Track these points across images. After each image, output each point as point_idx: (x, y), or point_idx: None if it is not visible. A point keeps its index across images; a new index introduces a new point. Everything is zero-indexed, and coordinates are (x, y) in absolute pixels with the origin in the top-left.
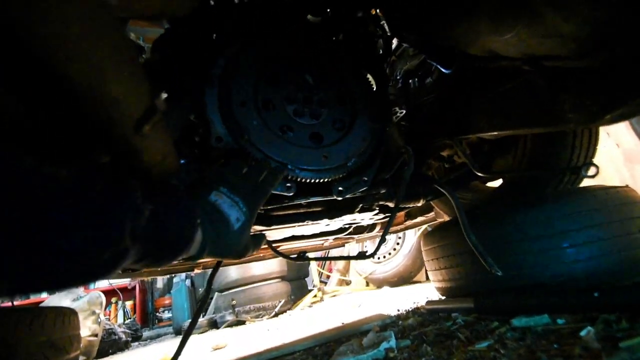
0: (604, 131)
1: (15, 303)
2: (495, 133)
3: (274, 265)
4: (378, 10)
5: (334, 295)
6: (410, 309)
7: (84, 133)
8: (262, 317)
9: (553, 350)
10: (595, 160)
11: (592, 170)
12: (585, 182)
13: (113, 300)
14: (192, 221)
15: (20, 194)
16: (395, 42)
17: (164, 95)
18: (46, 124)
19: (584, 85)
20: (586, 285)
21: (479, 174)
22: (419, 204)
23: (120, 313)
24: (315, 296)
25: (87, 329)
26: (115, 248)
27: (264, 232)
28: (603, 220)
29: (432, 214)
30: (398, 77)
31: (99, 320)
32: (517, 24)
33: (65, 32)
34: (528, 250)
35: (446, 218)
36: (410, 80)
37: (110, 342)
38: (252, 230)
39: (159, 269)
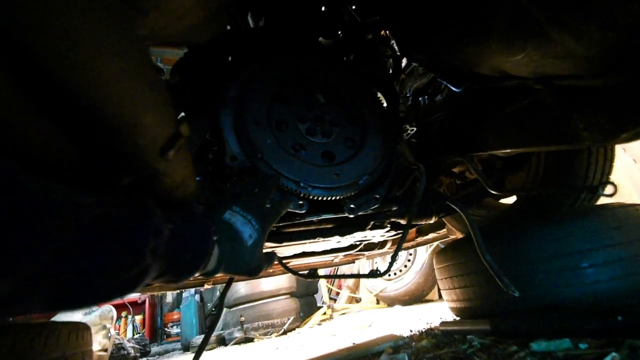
0: (620, 147)
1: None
2: (508, 150)
3: (283, 281)
4: (387, 32)
5: (344, 313)
6: (423, 330)
7: (110, 159)
8: (270, 334)
9: None
10: (612, 177)
11: (609, 189)
12: (603, 200)
13: (123, 314)
14: (209, 238)
15: (52, 222)
16: (404, 61)
17: (185, 120)
18: (79, 153)
19: (598, 104)
20: (608, 307)
21: (492, 192)
22: (431, 221)
23: (130, 327)
24: (324, 314)
25: (97, 343)
26: (138, 267)
27: (274, 250)
28: (624, 239)
29: (444, 231)
30: (408, 95)
31: (109, 334)
32: (527, 45)
33: (100, 65)
34: (546, 270)
35: (459, 235)
36: (420, 98)
37: (119, 358)
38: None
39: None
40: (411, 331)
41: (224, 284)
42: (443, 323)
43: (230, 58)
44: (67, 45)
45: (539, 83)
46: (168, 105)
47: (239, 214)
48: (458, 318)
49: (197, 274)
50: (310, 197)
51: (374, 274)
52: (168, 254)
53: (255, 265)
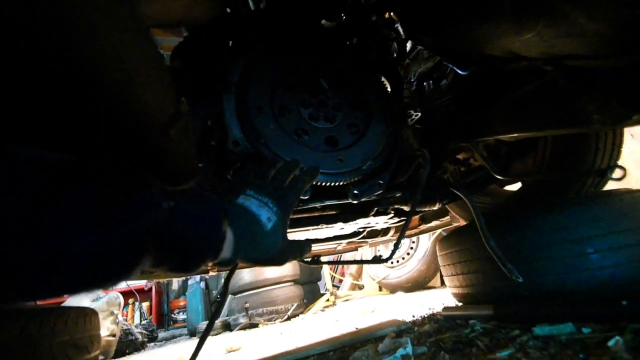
0: (629, 132)
1: (39, 303)
2: (515, 135)
3: (287, 268)
4: (392, 14)
5: (347, 300)
6: (425, 315)
7: (113, 138)
8: (274, 320)
9: None
10: (620, 163)
11: (618, 173)
12: (610, 186)
13: (130, 301)
14: (219, 218)
15: (34, 200)
16: (409, 44)
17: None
18: (82, 132)
19: (610, 86)
20: (612, 293)
21: (498, 177)
22: (435, 208)
23: (137, 314)
24: (327, 300)
25: (105, 329)
26: (131, 249)
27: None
28: (630, 226)
29: (447, 218)
30: (412, 80)
31: (117, 320)
32: (538, 24)
33: (102, 40)
34: (550, 256)
35: (462, 222)
36: (424, 83)
37: (127, 342)
38: None
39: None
40: (414, 316)
41: (227, 271)
42: (445, 308)
43: (230, 42)
44: (67, 16)
45: (549, 64)
46: (169, 83)
47: (253, 197)
48: (460, 304)
49: (209, 262)
50: (314, 182)
51: (377, 259)
52: (169, 235)
53: (279, 251)
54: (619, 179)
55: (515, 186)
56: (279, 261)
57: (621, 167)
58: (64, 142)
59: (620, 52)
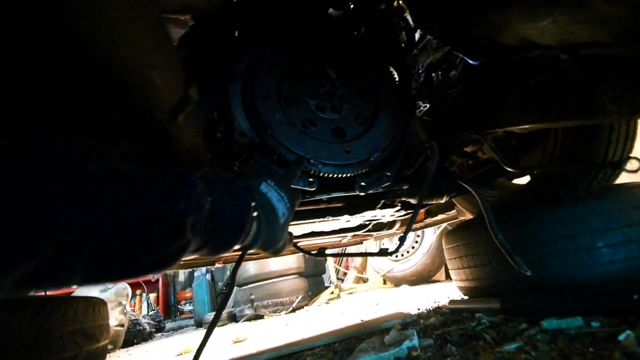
0: None
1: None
2: (527, 127)
3: (292, 261)
4: (401, 2)
5: (351, 293)
6: (431, 308)
7: (123, 123)
8: (279, 312)
9: (589, 354)
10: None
11: (633, 165)
12: (621, 180)
13: (138, 292)
14: (249, 214)
15: (90, 194)
16: (417, 34)
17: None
18: (90, 117)
19: (626, 75)
20: (622, 287)
21: (508, 169)
22: (442, 201)
23: (145, 305)
24: (332, 293)
25: (114, 319)
26: (178, 242)
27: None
28: None
29: (453, 212)
30: (420, 71)
31: (125, 311)
32: (555, 9)
33: (111, 15)
34: (559, 249)
35: (469, 216)
36: (433, 74)
37: (135, 332)
38: None
39: (182, 262)
40: (419, 309)
41: (234, 263)
42: (451, 301)
43: (236, 33)
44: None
45: (564, 52)
46: (177, 66)
47: (274, 188)
48: (466, 297)
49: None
50: (321, 174)
51: (383, 252)
52: (207, 229)
53: (282, 243)
54: (635, 171)
55: (523, 180)
56: (280, 251)
57: (637, 159)
58: (74, 126)
59: (637, 39)
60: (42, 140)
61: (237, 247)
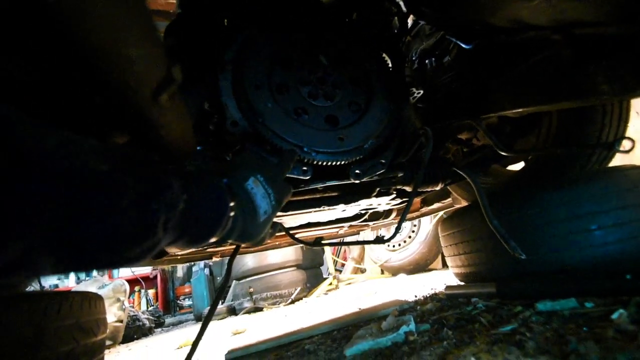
0: (634, 110)
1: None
2: (520, 110)
3: (290, 253)
4: None
5: (349, 283)
6: (428, 295)
7: (101, 108)
8: (278, 304)
9: (583, 333)
10: None
11: (626, 145)
12: (614, 163)
13: (136, 288)
14: (224, 214)
15: (64, 187)
16: (410, 20)
17: (178, 65)
18: (64, 101)
19: (619, 55)
20: (615, 268)
21: (503, 155)
22: (437, 188)
23: (144, 301)
24: (330, 284)
25: (112, 315)
26: (149, 241)
27: (278, 222)
28: (635, 201)
29: (448, 200)
30: (414, 58)
31: (124, 307)
32: None
33: None
34: (553, 233)
35: (464, 203)
36: (426, 60)
37: (135, 328)
38: None
39: (179, 257)
40: (416, 296)
41: (230, 256)
42: (448, 287)
43: (226, 18)
44: None
45: (556, 33)
46: (157, 42)
47: (262, 184)
48: (463, 283)
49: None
50: (315, 162)
51: (379, 239)
52: (181, 226)
53: (260, 238)
54: (627, 151)
55: (517, 167)
56: (258, 244)
57: (629, 139)
58: (57, 113)
59: (630, 17)
60: (16, 133)
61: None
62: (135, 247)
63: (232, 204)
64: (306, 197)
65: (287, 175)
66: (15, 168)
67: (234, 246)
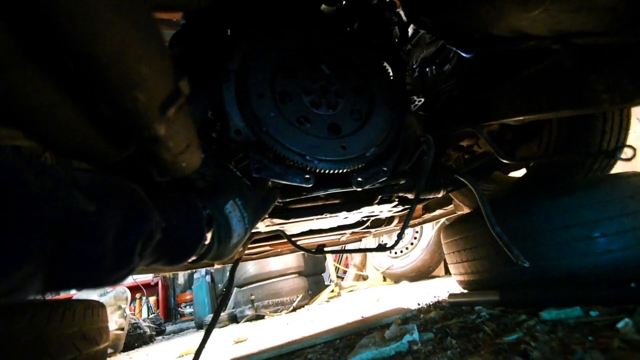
0: (635, 117)
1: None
2: (521, 118)
3: (291, 260)
4: None
5: (351, 291)
6: (431, 303)
7: (110, 122)
8: (280, 311)
9: (588, 342)
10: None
11: (627, 152)
12: (616, 170)
13: (137, 296)
14: (199, 240)
15: (49, 227)
16: (411, 30)
17: (186, 78)
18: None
19: (618, 64)
20: (620, 276)
21: (504, 162)
22: (439, 195)
23: (145, 308)
24: (332, 291)
25: (114, 322)
26: (126, 268)
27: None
28: (638, 209)
29: (450, 207)
30: (414, 66)
31: (125, 314)
32: None
33: (94, 9)
34: (556, 240)
35: (466, 210)
36: (427, 69)
37: (136, 336)
38: (266, 226)
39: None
40: (419, 304)
41: (232, 264)
42: (451, 295)
43: (228, 28)
44: None
45: (556, 42)
46: (166, 57)
47: (239, 208)
48: (466, 291)
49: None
50: (317, 170)
51: (382, 247)
52: (157, 253)
53: (229, 255)
54: (629, 159)
55: (519, 174)
56: (229, 259)
57: (630, 147)
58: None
59: (629, 27)
60: (17, 180)
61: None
62: (113, 274)
63: (209, 233)
64: (309, 204)
65: (290, 184)
66: (16, 213)
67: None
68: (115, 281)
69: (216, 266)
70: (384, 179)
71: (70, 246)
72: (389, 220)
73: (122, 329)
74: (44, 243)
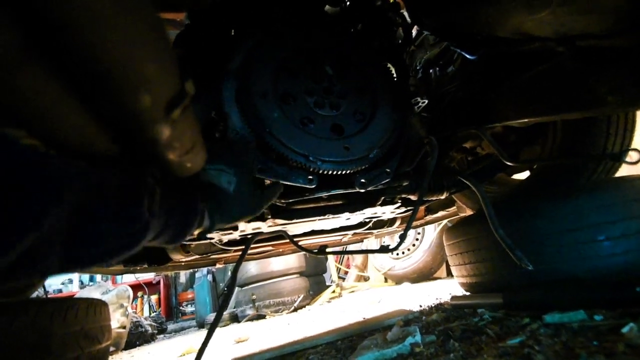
0: None
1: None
2: (525, 120)
3: (293, 261)
4: None
5: (353, 291)
6: (433, 305)
7: (115, 123)
8: (281, 311)
9: (593, 347)
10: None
11: (633, 156)
12: (620, 173)
13: (139, 294)
14: (196, 214)
15: (70, 193)
16: (414, 31)
17: (190, 79)
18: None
19: (623, 66)
20: (624, 280)
21: (508, 164)
22: (442, 197)
23: (146, 307)
24: (333, 292)
25: (116, 321)
26: (136, 244)
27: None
28: None
29: (453, 209)
30: (418, 67)
31: (127, 313)
32: (552, 1)
33: (95, 5)
34: (560, 243)
35: (469, 212)
36: (430, 70)
37: (138, 334)
38: (268, 227)
39: (182, 263)
40: (421, 306)
41: (234, 263)
42: (453, 297)
43: (232, 28)
44: None
45: (561, 44)
46: (172, 58)
47: (210, 169)
48: (468, 293)
49: (195, 233)
50: (320, 171)
51: (384, 249)
52: (162, 226)
53: (250, 205)
54: (634, 163)
55: (522, 175)
56: (254, 213)
57: (636, 150)
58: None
59: (632, 29)
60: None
61: (197, 231)
62: (129, 244)
63: (205, 210)
64: (311, 205)
65: (293, 185)
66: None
67: (238, 253)
68: (129, 244)
69: (218, 266)
70: (387, 180)
71: (78, 214)
72: (391, 222)
73: (124, 327)
74: (59, 219)
